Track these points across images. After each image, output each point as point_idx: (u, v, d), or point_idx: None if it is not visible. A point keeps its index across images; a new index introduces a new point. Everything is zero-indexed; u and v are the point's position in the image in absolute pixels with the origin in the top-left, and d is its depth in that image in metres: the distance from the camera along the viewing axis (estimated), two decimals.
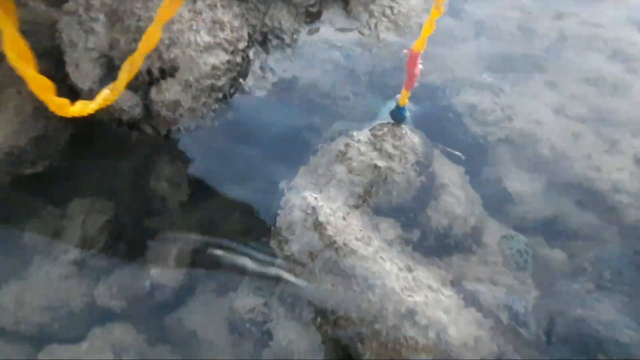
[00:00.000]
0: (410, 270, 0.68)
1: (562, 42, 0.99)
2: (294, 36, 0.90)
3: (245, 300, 0.73)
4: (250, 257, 0.78)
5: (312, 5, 0.89)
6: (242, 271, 0.77)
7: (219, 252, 0.80)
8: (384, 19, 0.92)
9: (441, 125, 0.90)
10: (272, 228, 0.75)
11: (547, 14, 1.02)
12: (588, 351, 0.70)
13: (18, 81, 0.85)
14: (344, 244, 0.67)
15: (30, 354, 0.76)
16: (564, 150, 0.87)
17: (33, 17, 0.90)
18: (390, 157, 0.75)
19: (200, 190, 0.87)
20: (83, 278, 0.82)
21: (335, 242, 0.67)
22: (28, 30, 0.87)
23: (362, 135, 0.78)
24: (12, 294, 0.80)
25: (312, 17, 0.92)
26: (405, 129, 0.79)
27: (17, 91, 0.86)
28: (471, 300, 0.68)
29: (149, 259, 0.83)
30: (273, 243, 0.74)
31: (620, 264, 0.76)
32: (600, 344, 0.69)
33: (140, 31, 0.79)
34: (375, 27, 0.92)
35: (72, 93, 0.86)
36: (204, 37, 0.78)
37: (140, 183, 0.89)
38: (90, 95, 0.84)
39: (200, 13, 0.80)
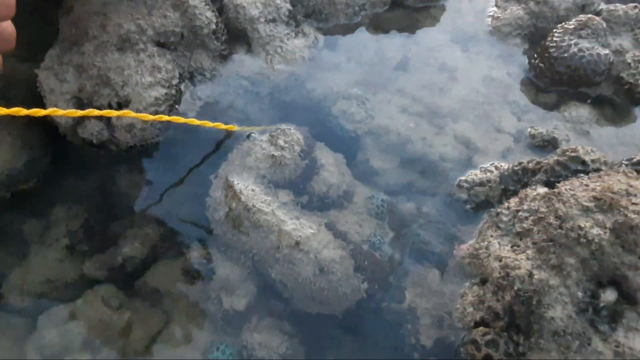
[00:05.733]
0: (298, 218, 1.03)
1: (405, 61, 1.39)
2: (213, 72, 1.25)
3: (195, 253, 1.06)
4: (195, 224, 1.11)
5: (224, 50, 1.25)
6: (189, 237, 1.10)
7: (174, 229, 1.13)
8: (277, 55, 1.29)
9: (324, 126, 1.27)
10: (206, 203, 1.09)
11: (394, 42, 1.42)
12: (421, 262, 1.07)
13: (8, 126, 1.17)
14: (253, 206, 1.02)
15: (37, 312, 1.05)
16: (408, 135, 1.25)
17: (13, 73, 1.21)
18: (282, 148, 1.11)
19: (154, 189, 1.19)
20: (73, 258, 1.12)
21: (246, 205, 1.02)
22: (10, 84, 1.19)
23: (264, 137, 1.14)
24: (18, 275, 1.10)
25: (225, 58, 1.27)
26: (293, 129, 1.15)
27: (8, 133, 1.16)
28: (340, 235, 1.04)
29: (121, 243, 1.14)
30: (207, 213, 1.08)
31: (442, 206, 1.15)
32: (428, 259, 1.07)
33: (100, 77, 1.12)
34: (271, 61, 1.28)
35: (53, 127, 1.17)
36: (147, 78, 1.11)
37: (106, 188, 1.20)
38: (67, 127, 1.16)
39: (143, 61, 1.14)
